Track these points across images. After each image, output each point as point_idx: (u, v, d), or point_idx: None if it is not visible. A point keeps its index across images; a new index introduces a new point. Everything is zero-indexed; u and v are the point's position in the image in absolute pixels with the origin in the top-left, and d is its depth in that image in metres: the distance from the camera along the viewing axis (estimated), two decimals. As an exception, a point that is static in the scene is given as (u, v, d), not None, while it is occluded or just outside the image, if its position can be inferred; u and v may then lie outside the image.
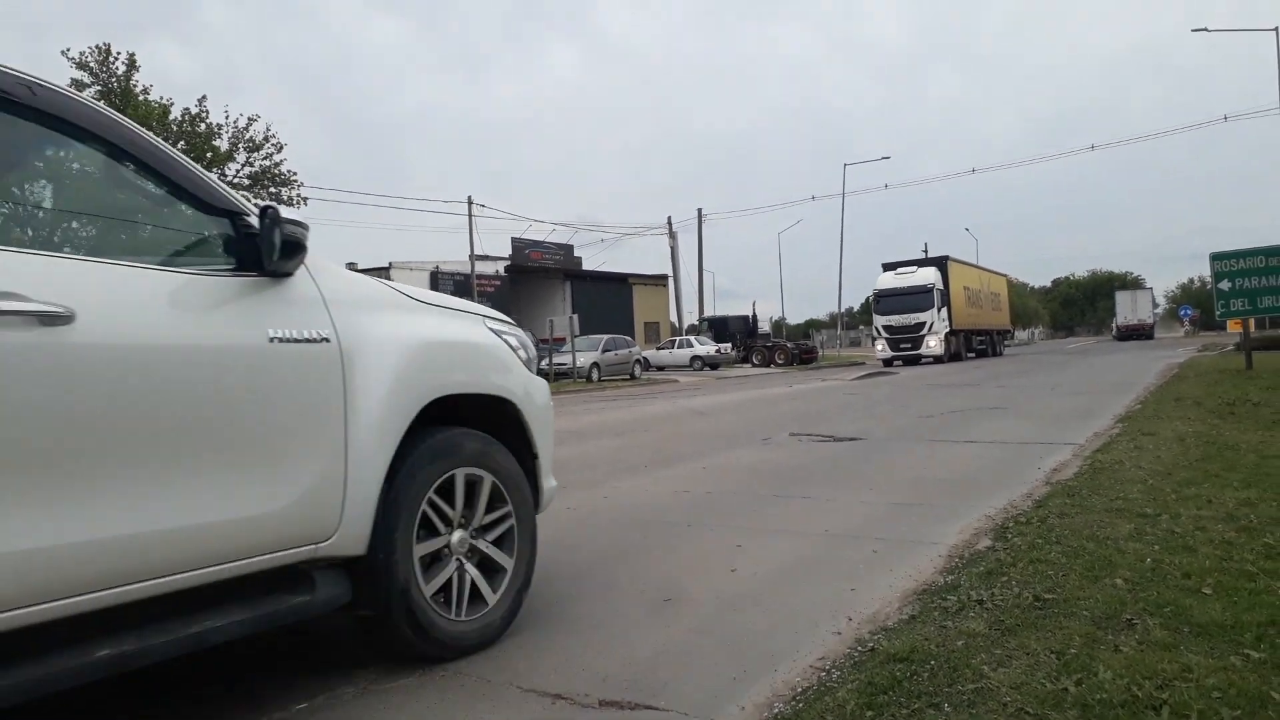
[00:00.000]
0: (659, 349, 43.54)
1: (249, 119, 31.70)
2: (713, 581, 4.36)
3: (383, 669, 3.35)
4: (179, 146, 30.89)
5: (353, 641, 3.69)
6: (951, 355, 36.99)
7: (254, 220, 2.95)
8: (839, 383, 23.03)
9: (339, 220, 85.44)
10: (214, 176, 3.06)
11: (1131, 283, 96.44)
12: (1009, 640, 3.21)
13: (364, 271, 25.32)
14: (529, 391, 3.95)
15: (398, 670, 3.35)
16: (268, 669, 3.44)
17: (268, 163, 32.11)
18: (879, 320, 37.59)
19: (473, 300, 25.08)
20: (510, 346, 3.94)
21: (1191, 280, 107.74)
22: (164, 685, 3.29)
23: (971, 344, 40.78)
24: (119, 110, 29.29)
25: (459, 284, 32.91)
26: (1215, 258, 17.60)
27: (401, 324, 3.40)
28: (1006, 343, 51.50)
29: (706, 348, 42.75)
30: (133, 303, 2.54)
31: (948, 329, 36.46)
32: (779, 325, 64.51)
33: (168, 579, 2.50)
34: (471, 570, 3.52)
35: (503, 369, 3.83)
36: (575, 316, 29.96)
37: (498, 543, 3.66)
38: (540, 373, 4.32)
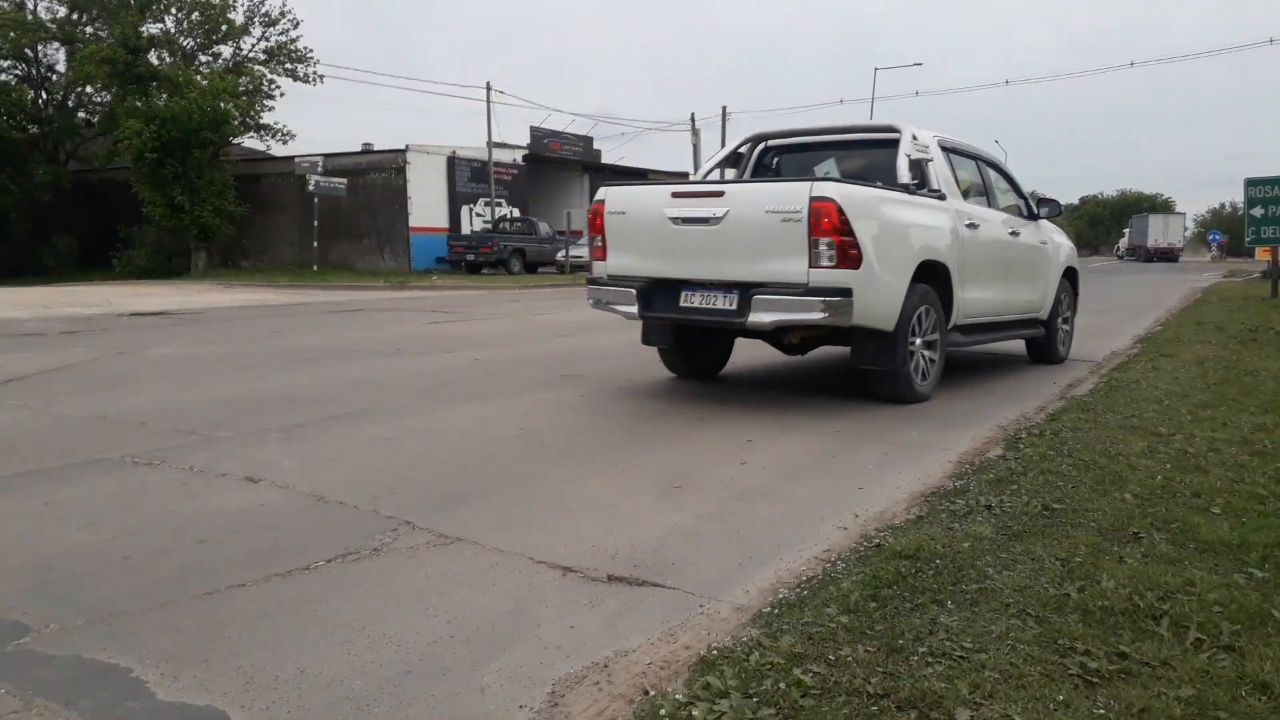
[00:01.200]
0: None
1: (264, -8, 30.83)
2: (722, 472, 4.40)
3: (399, 534, 3.42)
4: (192, 17, 30.22)
5: (371, 511, 3.76)
6: None
7: (1028, 199, 8.36)
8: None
9: (356, 100, 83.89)
10: (1019, 179, 8.55)
11: (1162, 205, 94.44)
12: (1015, 546, 3.24)
13: (377, 152, 25.26)
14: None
15: (413, 533, 3.42)
16: (297, 529, 3.52)
17: (284, 38, 31.37)
18: None
19: (490, 187, 25.06)
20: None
21: (1223, 205, 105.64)
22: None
23: None
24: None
25: (475, 170, 32.41)
26: (1250, 183, 17.22)
27: (1054, 236, 8.79)
28: None
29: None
30: (998, 222, 7.58)
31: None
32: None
33: (1015, 315, 7.93)
34: (923, 359, 6.38)
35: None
36: (594, 210, 29.63)
37: (929, 346, 6.45)
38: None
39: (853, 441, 5.15)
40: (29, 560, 3.11)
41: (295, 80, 31.78)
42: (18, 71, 35.89)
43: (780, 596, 2.87)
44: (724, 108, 47.15)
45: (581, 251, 29.03)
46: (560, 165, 38.54)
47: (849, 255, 5.51)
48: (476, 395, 6.57)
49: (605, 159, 41.66)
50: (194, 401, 6.31)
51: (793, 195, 5.57)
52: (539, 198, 37.14)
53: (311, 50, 31.89)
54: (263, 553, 3.23)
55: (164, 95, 28.33)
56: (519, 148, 35.21)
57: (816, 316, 5.53)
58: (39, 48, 34.43)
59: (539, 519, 3.65)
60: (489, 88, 33.73)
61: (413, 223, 30.44)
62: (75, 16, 33.09)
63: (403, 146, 30.64)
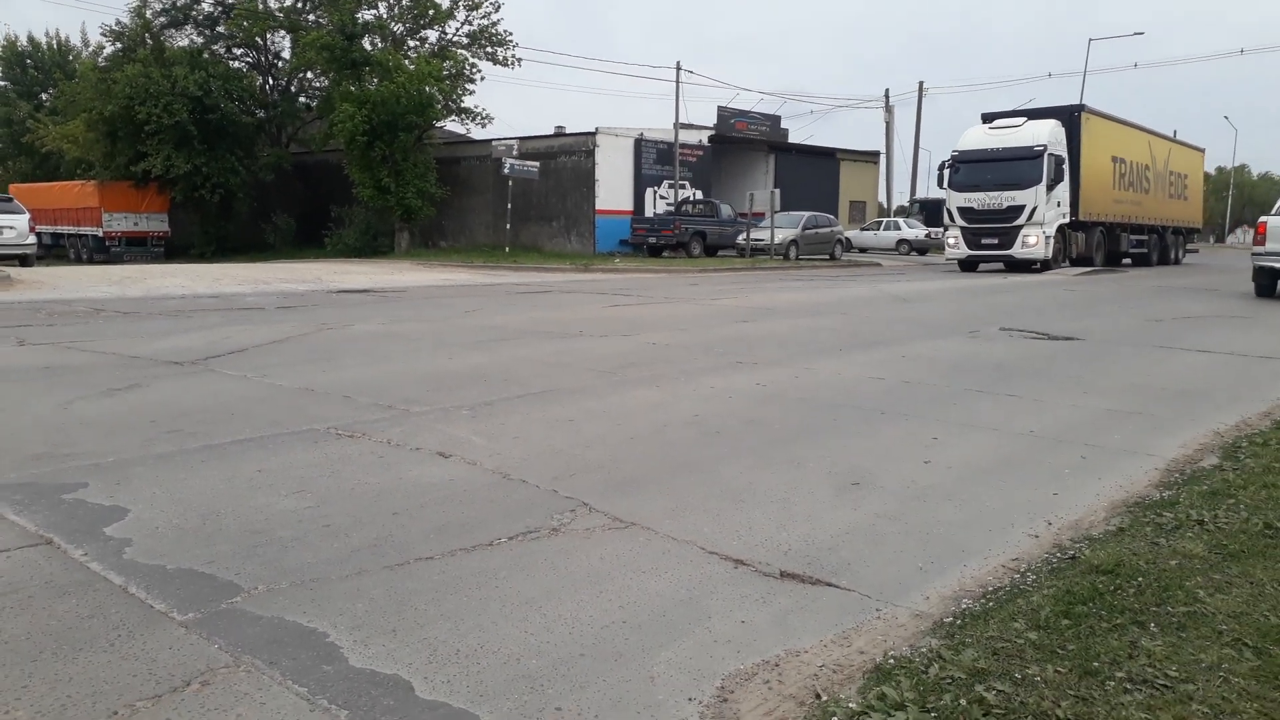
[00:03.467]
0: (863, 229, 42.04)
1: (469, -25, 32.09)
2: (904, 471, 4.25)
3: (576, 515, 3.50)
4: (403, 3, 31.85)
5: (550, 491, 3.87)
6: (1078, 258, 25.53)
7: None
8: (1059, 278, 21.57)
9: (548, 83, 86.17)
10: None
11: None
12: (1230, 566, 2.96)
13: (569, 135, 26.14)
14: None
15: (590, 515, 3.49)
16: (482, 505, 3.67)
17: (485, 22, 32.55)
18: (953, 200, 24.63)
19: (675, 169, 25.44)
20: None
21: None
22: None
23: (1121, 244, 27.90)
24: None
25: (661, 152, 32.64)
26: None
27: None
28: (1190, 247, 35.25)
29: (915, 231, 40.89)
30: None
31: (1065, 219, 24.35)
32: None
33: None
34: None
35: None
36: (777, 191, 29.17)
37: None
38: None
39: (1048, 444, 4.85)
40: (243, 523, 3.39)
41: (495, 64, 32.95)
42: (249, 59, 39.13)
43: (963, 606, 2.75)
44: (920, 83, 45.36)
45: (762, 235, 28.81)
46: (746, 145, 38.23)
47: None
48: (653, 379, 6.64)
49: (793, 138, 41.06)
50: (393, 376, 6.68)
51: None
52: (723, 179, 37.02)
53: (511, 33, 32.98)
54: (450, 527, 3.38)
55: (375, 80, 30.07)
56: (705, 128, 35.18)
57: None
58: (268, 36, 37.34)
59: (711, 508, 3.65)
60: (678, 68, 33.91)
61: (599, 205, 31.05)
62: (300, 4, 35.62)
63: (593, 129, 31.26)
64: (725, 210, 31.55)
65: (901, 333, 9.80)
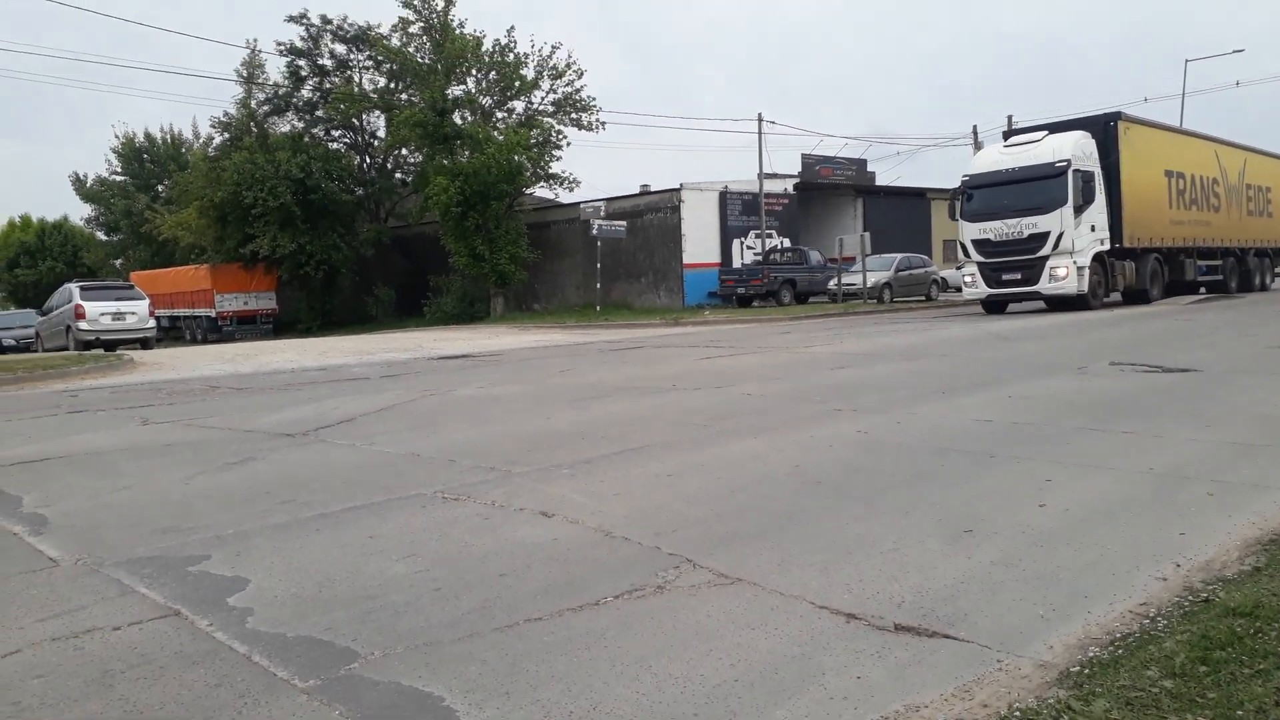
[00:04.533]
0: (959, 269, 41.18)
1: (552, 47, 33.17)
2: (1018, 515, 4.11)
3: (681, 572, 3.48)
4: (490, 76, 33.02)
5: (654, 548, 3.86)
6: (1128, 291, 21.50)
7: None
8: (1168, 307, 20.72)
9: (631, 144, 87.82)
10: None
11: None
12: (1384, 606, 2.76)
13: (654, 193, 26.72)
14: None
15: (694, 571, 3.47)
16: (586, 564, 3.69)
17: (569, 89, 33.47)
18: (967, 231, 21.10)
19: (760, 218, 25.58)
20: None
21: None
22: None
23: (1186, 272, 23.67)
24: (439, 44, 31.68)
25: (746, 203, 32.77)
26: None
27: None
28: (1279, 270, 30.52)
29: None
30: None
31: (1103, 245, 20.31)
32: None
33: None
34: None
35: None
36: (866, 235, 28.95)
37: None
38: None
39: (1171, 481, 4.63)
40: (357, 589, 3.47)
41: (580, 129, 33.79)
42: (346, 140, 41.06)
43: (1090, 655, 2.62)
44: (1009, 117, 44.56)
45: (854, 279, 28.53)
46: (832, 191, 38.14)
47: None
48: (750, 431, 6.59)
49: (880, 180, 40.78)
50: (494, 439, 6.80)
51: None
52: (810, 226, 36.93)
53: (594, 98, 33.84)
54: (556, 587, 3.40)
55: (466, 152, 31.16)
56: (790, 176, 35.26)
57: None
58: (364, 116, 39.17)
59: (818, 561, 3.58)
60: (760, 119, 34.14)
61: (686, 260, 31.30)
62: (392, 85, 37.30)
63: (677, 185, 31.65)
64: (814, 256, 31.42)
65: (1006, 373, 9.53)
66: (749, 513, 4.38)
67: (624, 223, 30.40)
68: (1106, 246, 20.39)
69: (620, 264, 32.12)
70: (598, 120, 33.76)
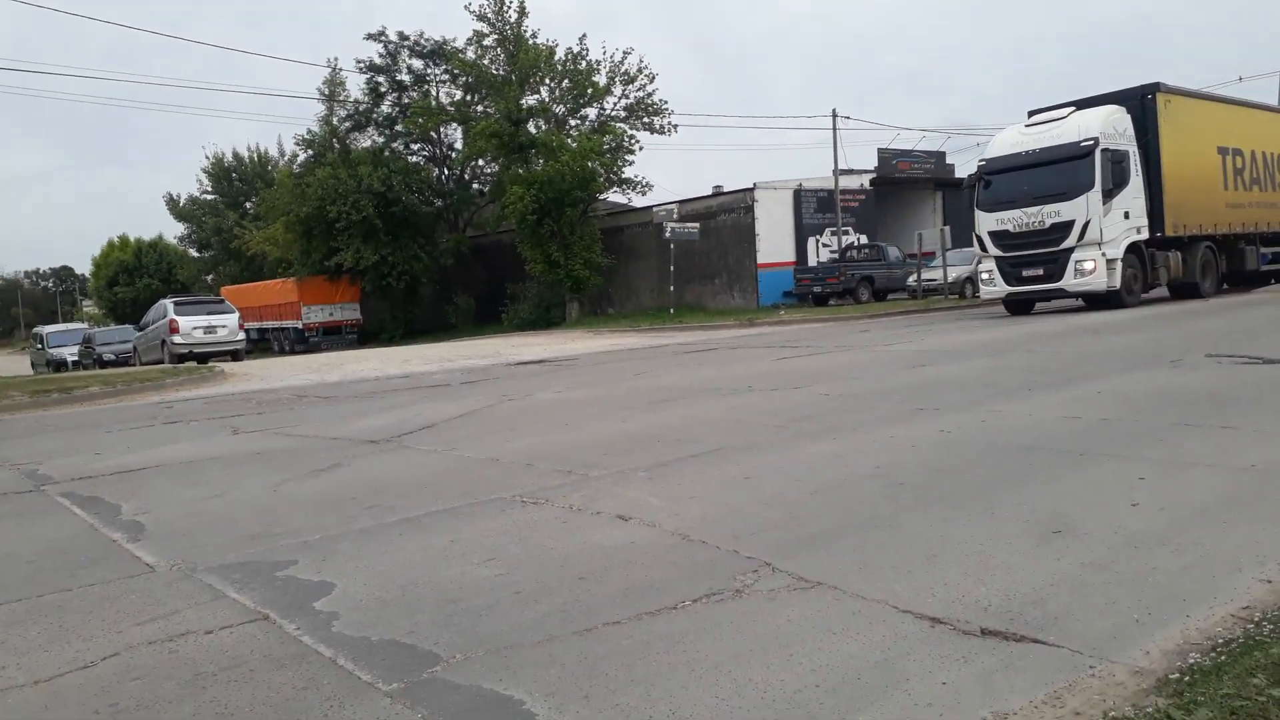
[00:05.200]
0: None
1: (624, 53, 33.28)
2: (1109, 515, 3.96)
3: (760, 576, 3.44)
4: (563, 84, 33.31)
5: (731, 551, 3.83)
6: (1174, 284, 19.44)
7: None
8: (1267, 296, 19.81)
9: (705, 144, 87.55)
10: None
11: None
12: None
13: (727, 193, 26.70)
14: None
15: (773, 575, 3.43)
16: (664, 567, 3.68)
17: (641, 94, 33.53)
18: (984, 223, 18.88)
19: (836, 215, 25.25)
20: None
21: None
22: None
23: (1246, 260, 20.89)
24: (513, 55, 32.11)
25: (822, 200, 32.37)
26: None
27: None
28: None
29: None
30: None
31: (1140, 234, 17.99)
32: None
33: None
34: None
35: None
36: (946, 229, 28.33)
37: None
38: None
39: (1274, 478, 4.42)
40: (439, 593, 3.53)
41: (652, 133, 33.85)
42: (425, 153, 41.92)
43: (1190, 661, 2.51)
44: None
45: (934, 274, 27.95)
46: (910, 185, 37.42)
47: None
48: (828, 432, 6.50)
49: (960, 173, 39.93)
50: (571, 443, 6.85)
51: None
52: (888, 221, 36.31)
53: (666, 102, 33.86)
54: (634, 590, 3.40)
55: (540, 160, 31.51)
56: (866, 172, 34.72)
57: None
58: (441, 129, 39.94)
59: (901, 564, 3.51)
60: (834, 115, 33.70)
61: (760, 259, 31.07)
62: (469, 98, 37.95)
63: (750, 185, 31.46)
64: (892, 252, 30.86)
65: (1095, 368, 9.22)
66: (829, 515, 4.32)
67: (697, 224, 30.33)
68: (1145, 236, 18.13)
69: (694, 266, 32.05)
70: (670, 123, 33.76)
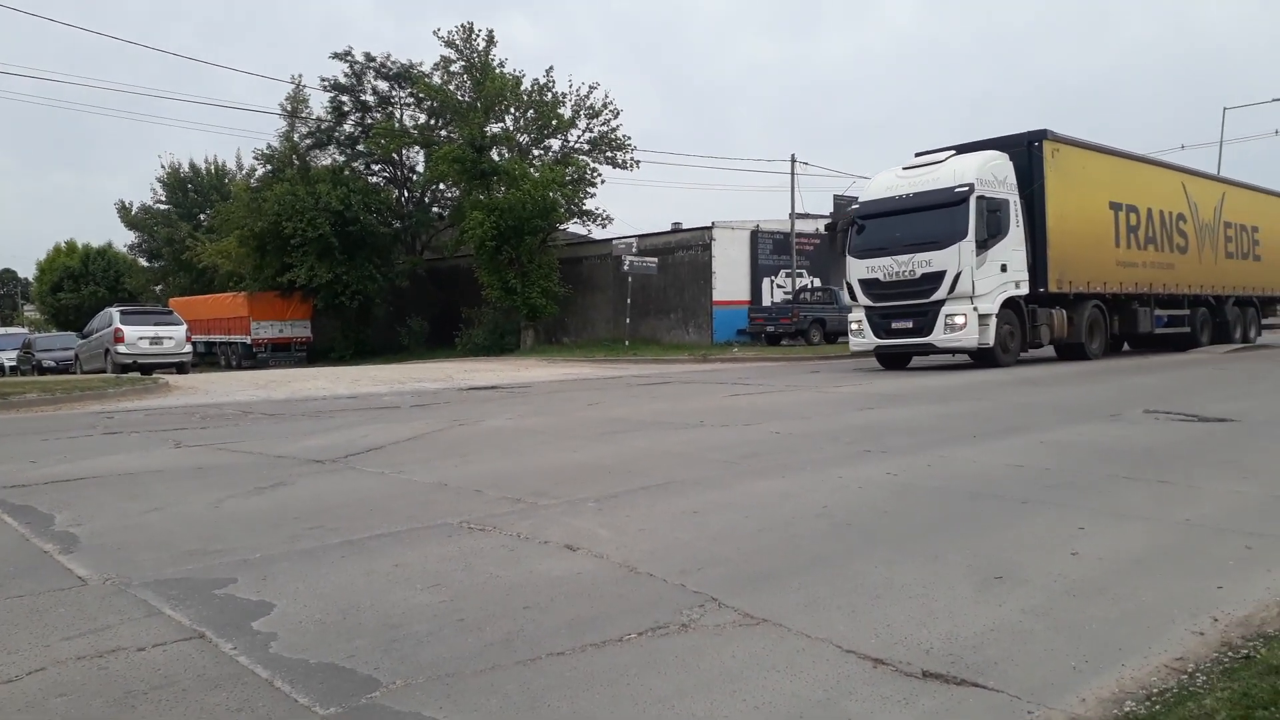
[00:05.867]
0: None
1: (590, 87, 33.58)
2: (1050, 563, 4.03)
3: (706, 611, 3.44)
4: (528, 114, 33.46)
5: (679, 585, 3.82)
6: (1058, 343, 18.59)
7: None
8: (1205, 356, 20.41)
9: (665, 182, 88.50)
10: None
11: None
12: None
13: (686, 230, 26.75)
14: None
15: (719, 610, 3.43)
16: (610, 599, 3.66)
17: (605, 128, 33.81)
18: (854, 270, 18.01)
19: (792, 257, 25.12)
20: None
21: None
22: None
23: (1139, 322, 20.17)
24: (479, 83, 32.18)
25: (778, 242, 32.81)
26: None
27: None
28: (1269, 321, 27.05)
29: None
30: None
31: (1018, 288, 17.07)
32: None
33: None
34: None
35: None
36: (899, 277, 28.86)
37: None
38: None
39: (1207, 533, 4.53)
40: (381, 618, 3.47)
41: (614, 167, 34.10)
42: (386, 174, 41.75)
43: (1127, 709, 2.56)
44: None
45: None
46: (863, 233, 38.05)
47: None
48: (778, 469, 6.55)
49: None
50: (521, 470, 6.80)
51: None
52: (841, 266, 36.85)
53: (630, 137, 34.15)
54: (580, 621, 3.38)
55: (502, 188, 31.55)
56: (822, 217, 35.25)
57: None
58: (403, 152, 39.84)
59: (845, 604, 3.53)
60: (793, 160, 34.29)
61: (716, 297, 31.34)
62: (433, 122, 37.93)
63: (709, 224, 31.79)
64: (844, 296, 31.26)
65: (1038, 418, 9.42)
66: (776, 553, 4.33)
67: (655, 259, 30.56)
68: (1025, 291, 17.16)
69: (650, 300, 32.22)
70: (632, 159, 34.11)
